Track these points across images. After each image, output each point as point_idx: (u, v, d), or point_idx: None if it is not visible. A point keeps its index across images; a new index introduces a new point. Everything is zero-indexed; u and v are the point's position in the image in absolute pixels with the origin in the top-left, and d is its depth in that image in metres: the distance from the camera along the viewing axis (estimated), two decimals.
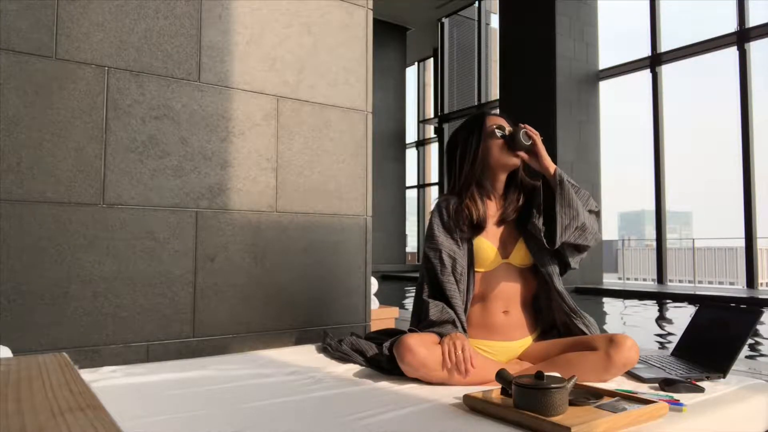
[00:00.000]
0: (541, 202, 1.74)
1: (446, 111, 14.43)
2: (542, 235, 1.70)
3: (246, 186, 2.05)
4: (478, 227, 1.72)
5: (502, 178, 1.79)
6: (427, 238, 1.74)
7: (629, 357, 1.50)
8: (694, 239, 11.60)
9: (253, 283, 2.04)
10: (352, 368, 1.67)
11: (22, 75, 1.67)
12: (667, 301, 7.63)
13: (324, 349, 1.87)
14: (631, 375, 1.56)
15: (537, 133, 1.73)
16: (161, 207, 1.88)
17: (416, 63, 17.03)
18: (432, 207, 1.82)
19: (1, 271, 1.61)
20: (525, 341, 1.73)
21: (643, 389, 1.43)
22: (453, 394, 1.38)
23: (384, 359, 1.61)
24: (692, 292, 7.72)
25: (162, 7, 1.91)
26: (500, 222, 1.78)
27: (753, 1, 8.58)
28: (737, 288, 9.79)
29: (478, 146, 1.75)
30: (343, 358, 1.75)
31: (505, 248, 1.74)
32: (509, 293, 1.72)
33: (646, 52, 9.65)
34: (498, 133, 1.74)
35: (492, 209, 1.79)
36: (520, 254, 1.73)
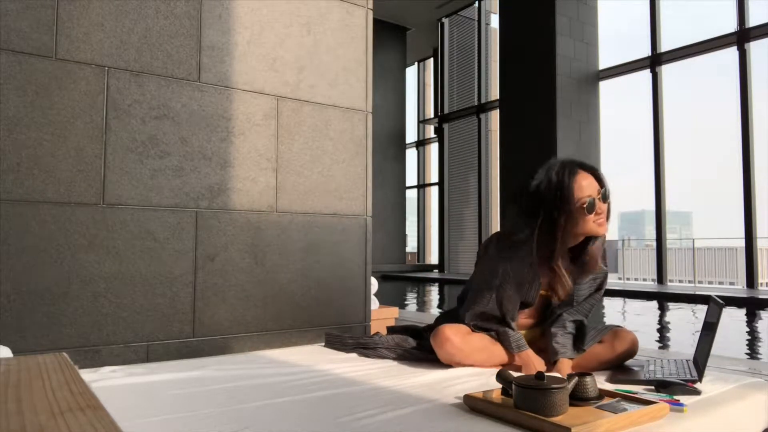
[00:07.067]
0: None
1: (446, 111, 14.42)
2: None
3: (246, 186, 2.05)
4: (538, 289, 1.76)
5: (577, 239, 1.72)
6: (503, 267, 1.72)
7: (631, 350, 1.69)
8: (694, 239, 11.59)
9: (253, 283, 2.04)
10: (352, 368, 1.67)
11: (22, 75, 1.67)
12: (667, 301, 7.62)
13: (346, 347, 1.92)
14: (627, 377, 1.56)
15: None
16: (161, 207, 1.88)
17: (416, 63, 17.04)
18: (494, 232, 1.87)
19: (1, 271, 1.61)
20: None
21: (639, 390, 1.43)
22: (453, 394, 1.38)
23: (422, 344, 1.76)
24: (692, 292, 7.72)
25: (162, 7, 1.91)
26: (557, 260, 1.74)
27: (753, 1, 8.59)
28: (737, 288, 9.78)
29: (562, 213, 1.64)
30: (372, 354, 1.82)
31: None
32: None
33: (646, 52, 9.65)
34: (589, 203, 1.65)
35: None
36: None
